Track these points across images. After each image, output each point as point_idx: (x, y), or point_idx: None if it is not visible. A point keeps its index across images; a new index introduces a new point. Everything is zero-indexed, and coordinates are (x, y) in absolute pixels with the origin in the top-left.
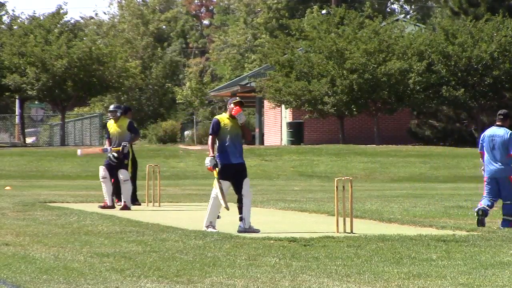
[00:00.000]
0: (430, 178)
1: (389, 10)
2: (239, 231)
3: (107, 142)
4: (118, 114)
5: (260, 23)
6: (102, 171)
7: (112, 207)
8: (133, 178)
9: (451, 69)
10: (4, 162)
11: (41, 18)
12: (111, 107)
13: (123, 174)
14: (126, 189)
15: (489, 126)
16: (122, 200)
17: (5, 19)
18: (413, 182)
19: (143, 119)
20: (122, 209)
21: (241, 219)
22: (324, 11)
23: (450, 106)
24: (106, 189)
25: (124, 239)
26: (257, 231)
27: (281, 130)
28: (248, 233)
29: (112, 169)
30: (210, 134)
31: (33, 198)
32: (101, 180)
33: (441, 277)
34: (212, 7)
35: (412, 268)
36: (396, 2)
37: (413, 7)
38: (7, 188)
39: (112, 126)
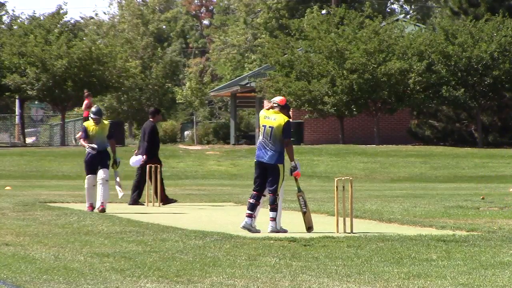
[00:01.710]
0: (430, 178)
1: (389, 10)
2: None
3: (83, 141)
4: (103, 118)
5: (260, 23)
6: (91, 179)
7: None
8: (142, 181)
9: (451, 69)
10: (4, 162)
11: (41, 18)
12: (95, 113)
13: (105, 174)
14: (105, 190)
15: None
16: (100, 201)
17: (5, 19)
18: (413, 182)
19: (143, 119)
20: (101, 211)
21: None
22: (324, 11)
23: (450, 106)
24: (89, 194)
25: (124, 239)
26: (257, 231)
27: None
28: (280, 233)
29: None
30: (291, 138)
31: (33, 198)
32: (88, 187)
33: (441, 277)
34: (212, 7)
35: (412, 268)
36: (396, 2)
37: (413, 7)
38: (7, 188)
39: (92, 128)
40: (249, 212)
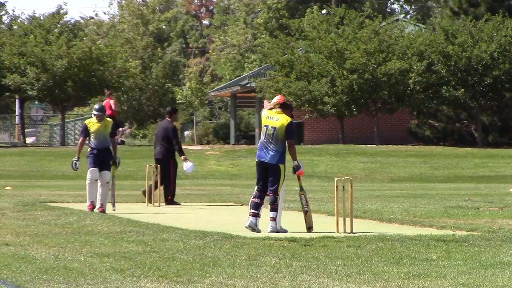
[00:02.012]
0: (430, 178)
1: (389, 10)
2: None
3: (81, 140)
4: (105, 116)
5: (260, 23)
6: (94, 173)
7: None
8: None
9: (451, 69)
10: (4, 162)
11: (41, 18)
12: (99, 109)
13: (106, 176)
14: (105, 192)
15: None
16: (100, 202)
17: (5, 19)
18: (413, 182)
19: (143, 119)
20: (101, 212)
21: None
22: (324, 11)
23: (450, 106)
24: (90, 191)
25: (124, 239)
26: (259, 231)
27: None
28: (279, 233)
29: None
30: (294, 138)
31: (33, 198)
32: (90, 182)
33: (441, 277)
34: (212, 7)
35: (412, 268)
36: (396, 2)
37: (413, 7)
38: (7, 188)
39: (95, 124)
40: (253, 211)
